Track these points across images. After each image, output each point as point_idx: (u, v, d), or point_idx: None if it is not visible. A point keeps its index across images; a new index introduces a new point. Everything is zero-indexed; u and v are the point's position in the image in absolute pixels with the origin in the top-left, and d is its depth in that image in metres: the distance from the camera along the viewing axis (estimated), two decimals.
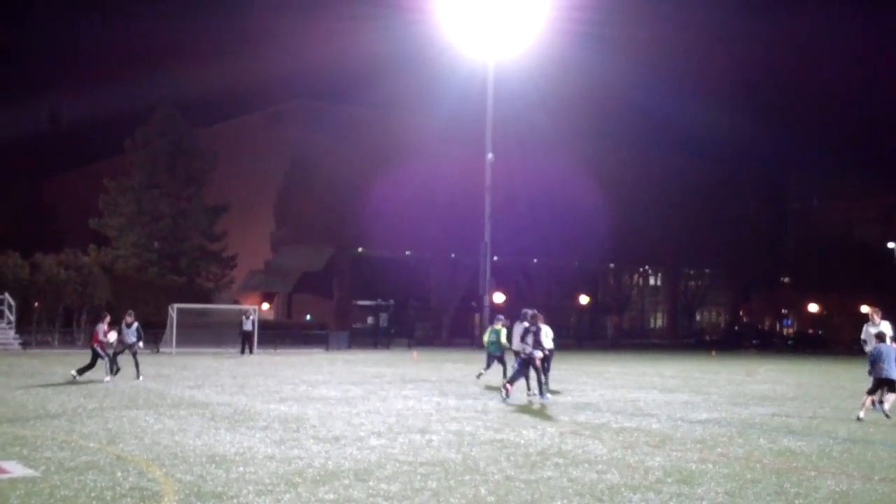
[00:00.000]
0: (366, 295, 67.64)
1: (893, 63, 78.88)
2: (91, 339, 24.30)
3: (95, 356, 23.79)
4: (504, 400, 19.77)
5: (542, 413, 17.96)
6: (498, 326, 23.84)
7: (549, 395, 20.42)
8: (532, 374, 20.11)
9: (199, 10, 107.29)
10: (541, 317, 20.46)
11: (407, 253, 69.98)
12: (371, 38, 64.69)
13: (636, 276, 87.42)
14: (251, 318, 42.22)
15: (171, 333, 42.44)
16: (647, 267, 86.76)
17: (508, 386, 19.99)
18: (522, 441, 13.95)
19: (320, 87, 78.07)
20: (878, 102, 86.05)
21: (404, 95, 66.69)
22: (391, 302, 62.01)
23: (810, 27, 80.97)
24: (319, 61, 63.92)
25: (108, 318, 24.88)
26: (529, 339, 19.87)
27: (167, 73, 78.68)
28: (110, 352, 24.32)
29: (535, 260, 73.28)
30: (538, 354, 19.88)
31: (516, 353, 20.45)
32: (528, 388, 20.34)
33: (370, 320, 64.91)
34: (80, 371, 23.59)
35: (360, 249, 70.28)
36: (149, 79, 73.96)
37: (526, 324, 20.50)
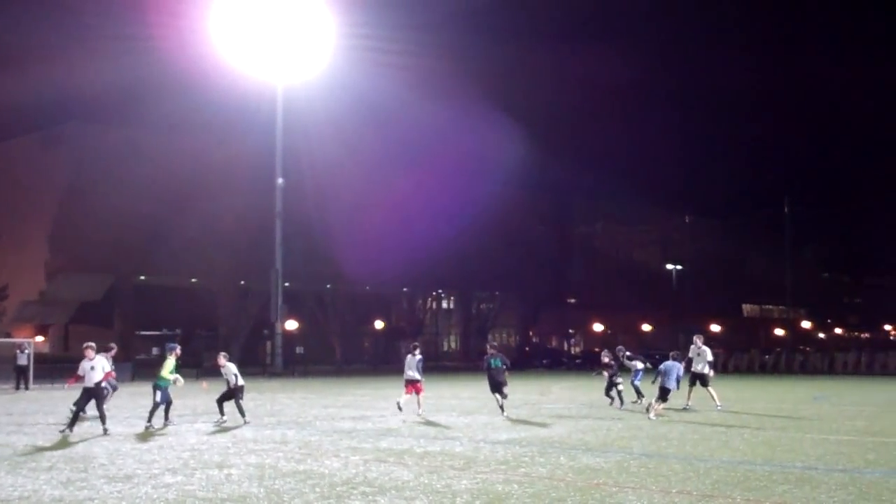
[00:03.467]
0: (150, 325, 65.05)
1: (670, 98, 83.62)
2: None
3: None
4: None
5: (343, 441, 17.54)
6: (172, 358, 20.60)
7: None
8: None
9: None
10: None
11: (193, 280, 67.80)
12: (150, 60, 62.10)
13: (430, 300, 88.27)
14: (26, 351, 39.70)
15: None
16: (440, 290, 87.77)
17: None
18: (326, 471, 13.54)
19: (98, 110, 74.62)
20: (654, 134, 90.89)
21: (187, 118, 64.73)
22: (177, 332, 59.88)
23: (590, 56, 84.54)
24: (95, 82, 60.86)
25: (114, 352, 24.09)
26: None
27: None
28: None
29: (328, 286, 72.66)
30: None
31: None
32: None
33: (155, 351, 62.33)
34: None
35: (142, 277, 67.50)
36: None
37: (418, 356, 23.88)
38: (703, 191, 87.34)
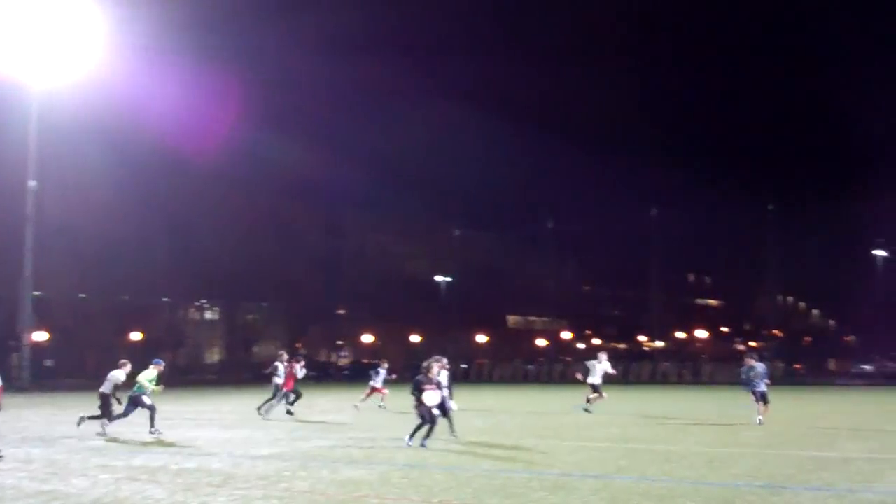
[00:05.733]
0: None
1: (440, 111, 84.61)
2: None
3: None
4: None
5: (93, 459, 16.56)
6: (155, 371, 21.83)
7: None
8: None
9: None
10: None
11: None
12: None
13: (192, 311, 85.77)
14: None
15: None
16: (203, 301, 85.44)
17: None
18: (73, 491, 12.79)
19: None
20: (425, 147, 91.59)
21: None
22: None
23: (365, 63, 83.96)
24: None
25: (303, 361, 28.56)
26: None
27: None
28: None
29: (82, 295, 69.21)
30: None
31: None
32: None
33: None
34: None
35: None
36: None
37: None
38: (473, 204, 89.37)
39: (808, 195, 79.73)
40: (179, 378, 71.69)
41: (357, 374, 72.81)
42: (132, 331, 75.42)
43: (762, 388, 23.65)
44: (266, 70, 73.90)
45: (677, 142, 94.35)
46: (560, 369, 68.48)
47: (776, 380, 52.84)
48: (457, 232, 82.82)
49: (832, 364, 73.37)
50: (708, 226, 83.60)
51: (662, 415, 27.14)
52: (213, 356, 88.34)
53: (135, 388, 21.42)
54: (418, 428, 17.97)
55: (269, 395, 27.56)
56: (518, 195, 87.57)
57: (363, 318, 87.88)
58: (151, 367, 21.86)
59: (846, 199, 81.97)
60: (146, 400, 21.23)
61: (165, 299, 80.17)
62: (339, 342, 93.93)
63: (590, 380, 28.39)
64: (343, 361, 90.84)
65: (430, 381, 18.17)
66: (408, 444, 17.92)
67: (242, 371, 77.18)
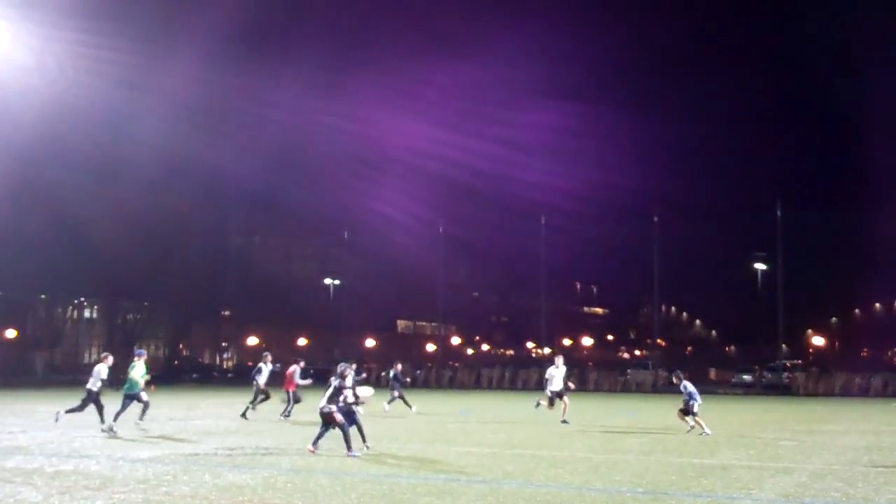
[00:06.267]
0: None
1: (331, 114, 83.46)
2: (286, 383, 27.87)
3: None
4: None
5: None
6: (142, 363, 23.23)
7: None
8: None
9: None
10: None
11: None
12: None
13: (70, 309, 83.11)
14: None
15: None
16: (82, 298, 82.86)
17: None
18: None
19: None
20: (315, 151, 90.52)
21: None
22: None
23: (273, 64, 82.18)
24: None
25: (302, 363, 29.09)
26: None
27: None
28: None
29: None
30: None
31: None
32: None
33: None
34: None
35: None
36: None
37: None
38: (362, 207, 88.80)
39: (692, 208, 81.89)
40: (56, 378, 69.65)
41: (241, 377, 71.69)
42: (6, 328, 72.71)
43: (688, 404, 23.40)
44: (156, 58, 71.71)
45: (566, 153, 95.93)
46: (449, 374, 68.65)
47: (657, 388, 54.28)
48: (346, 234, 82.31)
49: (713, 373, 75.37)
50: (595, 236, 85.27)
51: (549, 421, 27.43)
52: (92, 356, 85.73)
53: (127, 387, 22.62)
54: (347, 436, 17.60)
55: (251, 396, 28.32)
56: (411, 199, 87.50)
57: (249, 319, 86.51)
58: (137, 359, 23.04)
59: (727, 212, 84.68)
60: (143, 396, 22.60)
61: (43, 296, 77.51)
62: (224, 344, 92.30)
63: (549, 388, 27.25)
64: (227, 364, 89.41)
65: (347, 387, 17.95)
66: (353, 455, 17.30)
67: (122, 371, 75.14)
